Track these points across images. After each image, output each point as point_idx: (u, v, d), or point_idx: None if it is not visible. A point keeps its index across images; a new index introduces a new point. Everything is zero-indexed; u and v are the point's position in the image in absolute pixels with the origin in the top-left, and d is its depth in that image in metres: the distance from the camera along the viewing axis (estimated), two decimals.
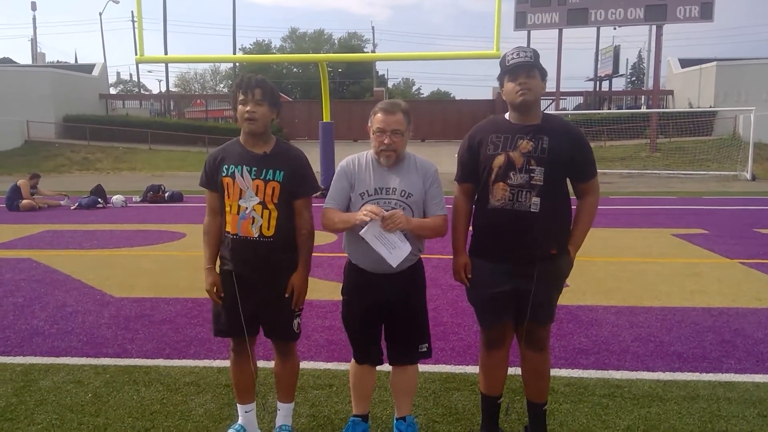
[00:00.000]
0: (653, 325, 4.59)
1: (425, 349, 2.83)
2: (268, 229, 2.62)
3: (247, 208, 2.61)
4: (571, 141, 2.66)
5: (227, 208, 2.67)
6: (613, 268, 6.63)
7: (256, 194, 2.61)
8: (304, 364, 3.73)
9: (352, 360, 2.87)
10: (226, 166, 2.65)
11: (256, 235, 2.62)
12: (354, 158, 2.77)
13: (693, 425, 3.01)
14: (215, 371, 3.71)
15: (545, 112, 2.77)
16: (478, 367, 2.95)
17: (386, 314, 2.77)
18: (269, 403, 3.25)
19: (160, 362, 3.89)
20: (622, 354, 4.00)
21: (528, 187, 2.59)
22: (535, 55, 2.61)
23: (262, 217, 2.61)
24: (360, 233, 2.55)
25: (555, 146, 2.61)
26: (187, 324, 4.68)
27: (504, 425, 2.99)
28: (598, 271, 6.37)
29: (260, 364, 3.04)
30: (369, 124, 2.71)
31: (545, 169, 2.59)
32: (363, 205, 2.63)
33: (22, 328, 4.61)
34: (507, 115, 2.73)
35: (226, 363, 3.80)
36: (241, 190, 2.62)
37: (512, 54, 2.63)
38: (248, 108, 2.58)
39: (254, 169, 2.63)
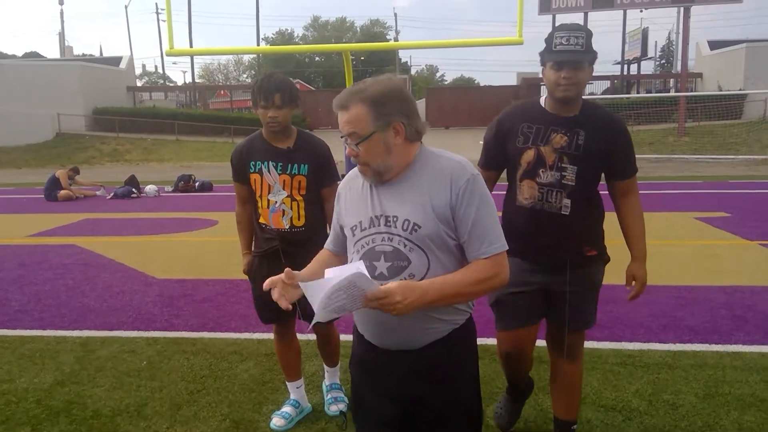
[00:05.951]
0: (668, 303, 4.78)
1: None
2: (299, 219, 2.77)
3: (276, 201, 2.76)
4: (610, 136, 2.35)
5: (258, 202, 2.81)
6: None
7: (284, 188, 2.75)
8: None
9: None
10: (253, 162, 2.77)
11: (287, 227, 2.78)
12: (354, 174, 1.83)
13: (698, 389, 3.24)
14: (255, 342, 4.04)
15: (585, 99, 2.41)
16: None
17: (412, 422, 1.76)
18: (306, 369, 3.56)
19: (205, 334, 4.24)
20: (635, 328, 4.21)
21: (558, 186, 2.33)
22: (588, 39, 2.20)
23: (291, 209, 2.76)
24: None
25: (591, 143, 2.30)
26: (227, 302, 5.03)
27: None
28: (618, 253, 6.48)
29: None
30: None
31: (578, 168, 2.31)
32: (355, 243, 1.71)
33: (76, 306, 5.01)
34: (543, 101, 2.41)
35: (265, 335, 4.14)
36: (269, 185, 2.76)
37: (562, 38, 2.21)
38: (270, 114, 2.67)
39: (280, 164, 2.74)
